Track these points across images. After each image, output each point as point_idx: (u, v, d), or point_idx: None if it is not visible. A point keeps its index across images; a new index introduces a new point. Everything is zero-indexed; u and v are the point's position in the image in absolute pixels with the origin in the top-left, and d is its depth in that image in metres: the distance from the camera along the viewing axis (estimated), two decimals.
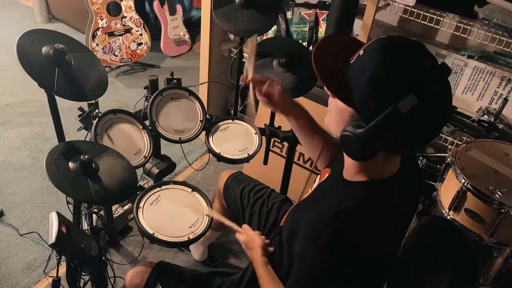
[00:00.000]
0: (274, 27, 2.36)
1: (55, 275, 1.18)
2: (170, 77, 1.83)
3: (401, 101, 0.80)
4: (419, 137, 0.89)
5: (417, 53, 0.84)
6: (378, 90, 0.84)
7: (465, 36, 1.74)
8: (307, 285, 1.02)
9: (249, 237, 1.23)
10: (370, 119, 0.84)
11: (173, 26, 3.48)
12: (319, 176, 1.25)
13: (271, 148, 2.23)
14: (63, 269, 1.24)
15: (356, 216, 0.95)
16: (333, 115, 0.97)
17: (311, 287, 1.02)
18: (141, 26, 3.21)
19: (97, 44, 3.05)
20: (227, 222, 1.32)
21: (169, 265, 1.44)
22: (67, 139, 1.54)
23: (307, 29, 2.38)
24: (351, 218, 0.95)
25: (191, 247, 1.99)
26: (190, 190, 1.62)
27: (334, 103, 0.95)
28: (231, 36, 2.57)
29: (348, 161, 1.02)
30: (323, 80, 0.90)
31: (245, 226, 1.29)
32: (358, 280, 1.02)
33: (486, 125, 1.92)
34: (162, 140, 1.83)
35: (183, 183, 1.62)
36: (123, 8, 3.08)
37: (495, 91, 1.95)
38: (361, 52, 0.88)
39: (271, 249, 1.21)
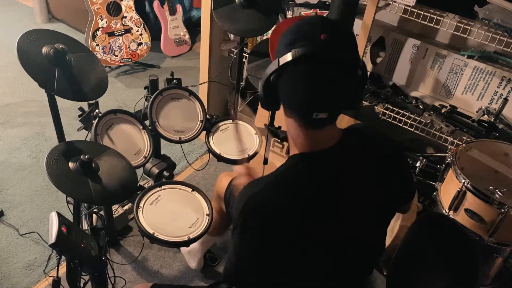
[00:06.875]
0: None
1: (55, 275, 1.19)
2: (170, 77, 1.83)
3: (281, 57, 0.93)
4: (295, 94, 0.95)
5: (317, 27, 0.91)
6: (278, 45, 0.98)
7: (465, 36, 1.74)
8: (233, 268, 1.06)
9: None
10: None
11: (173, 26, 3.48)
12: None
13: (271, 148, 2.23)
14: (63, 269, 1.24)
15: (271, 188, 1.01)
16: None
17: (236, 271, 1.06)
18: (141, 26, 3.21)
19: (97, 44, 3.05)
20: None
21: (164, 286, 1.47)
22: (67, 139, 1.54)
23: None
24: (266, 191, 1.00)
25: (187, 256, 1.90)
26: (190, 190, 1.62)
27: None
28: (231, 36, 2.57)
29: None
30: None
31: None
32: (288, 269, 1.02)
33: (486, 125, 1.92)
34: (162, 140, 1.84)
35: (183, 183, 1.63)
36: (123, 8, 3.08)
37: (495, 91, 1.95)
38: None
39: None
